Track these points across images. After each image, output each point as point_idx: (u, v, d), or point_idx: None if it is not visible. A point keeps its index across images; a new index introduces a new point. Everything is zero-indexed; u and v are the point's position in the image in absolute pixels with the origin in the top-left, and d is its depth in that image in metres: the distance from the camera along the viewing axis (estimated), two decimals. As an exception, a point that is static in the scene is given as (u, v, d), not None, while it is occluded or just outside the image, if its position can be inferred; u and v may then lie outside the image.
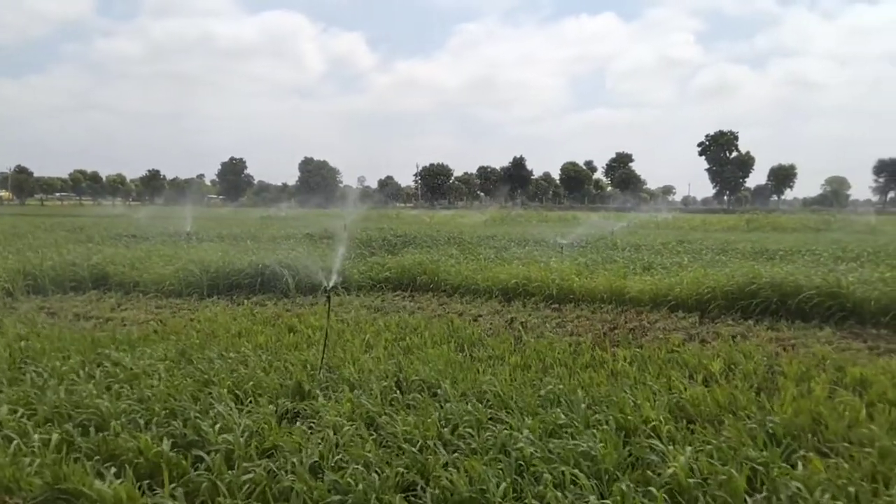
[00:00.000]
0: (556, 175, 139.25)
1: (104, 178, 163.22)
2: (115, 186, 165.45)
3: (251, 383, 5.93)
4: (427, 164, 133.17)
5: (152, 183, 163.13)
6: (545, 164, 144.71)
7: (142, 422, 5.07)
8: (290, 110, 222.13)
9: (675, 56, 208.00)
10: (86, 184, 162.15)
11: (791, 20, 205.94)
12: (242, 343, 7.92)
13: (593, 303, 11.37)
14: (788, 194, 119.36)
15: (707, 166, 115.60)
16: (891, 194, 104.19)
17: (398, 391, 5.88)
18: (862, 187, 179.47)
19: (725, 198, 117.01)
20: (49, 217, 45.21)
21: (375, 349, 7.62)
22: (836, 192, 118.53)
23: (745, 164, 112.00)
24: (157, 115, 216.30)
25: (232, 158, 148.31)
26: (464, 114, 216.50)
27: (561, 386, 5.67)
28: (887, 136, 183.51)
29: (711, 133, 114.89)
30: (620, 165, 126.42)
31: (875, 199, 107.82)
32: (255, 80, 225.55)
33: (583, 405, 5.09)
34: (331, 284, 7.07)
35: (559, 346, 7.74)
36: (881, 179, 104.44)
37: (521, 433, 4.58)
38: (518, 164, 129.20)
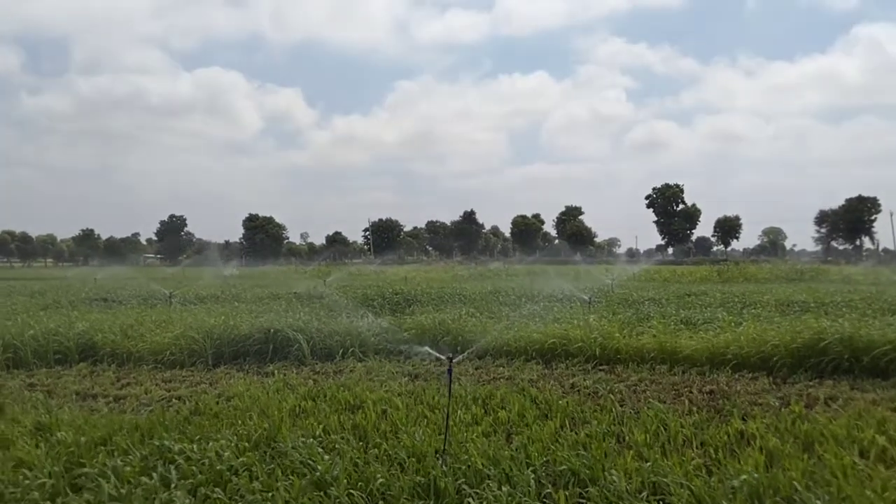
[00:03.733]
0: (503, 228, 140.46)
1: (34, 238, 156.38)
2: (46, 247, 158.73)
3: (378, 481, 4.90)
4: (376, 220, 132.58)
5: (86, 242, 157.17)
6: (488, 217, 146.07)
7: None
8: (229, 167, 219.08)
9: (608, 112, 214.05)
10: (14, 244, 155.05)
11: (713, 79, 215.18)
12: (309, 425, 6.85)
13: (644, 363, 10.64)
14: (735, 245, 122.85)
15: (655, 218, 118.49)
16: (832, 243, 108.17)
17: (552, 486, 4.95)
18: (794, 237, 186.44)
19: (670, 249, 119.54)
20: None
21: (471, 427, 6.67)
22: (773, 242, 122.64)
23: (692, 216, 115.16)
24: (87, 173, 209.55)
25: (172, 216, 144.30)
26: (404, 168, 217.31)
27: (756, 476, 4.80)
28: (812, 186, 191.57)
29: (658, 186, 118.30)
30: (570, 218, 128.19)
31: (817, 248, 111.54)
32: (190, 137, 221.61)
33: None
34: (458, 358, 6.11)
35: (670, 419, 6.92)
36: (822, 230, 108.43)
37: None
38: (469, 217, 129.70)
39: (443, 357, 6.24)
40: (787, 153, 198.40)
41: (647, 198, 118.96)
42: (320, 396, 8.47)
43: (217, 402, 8.20)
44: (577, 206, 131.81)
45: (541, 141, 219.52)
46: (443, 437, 6.01)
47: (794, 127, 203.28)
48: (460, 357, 8.14)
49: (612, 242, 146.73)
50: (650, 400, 7.99)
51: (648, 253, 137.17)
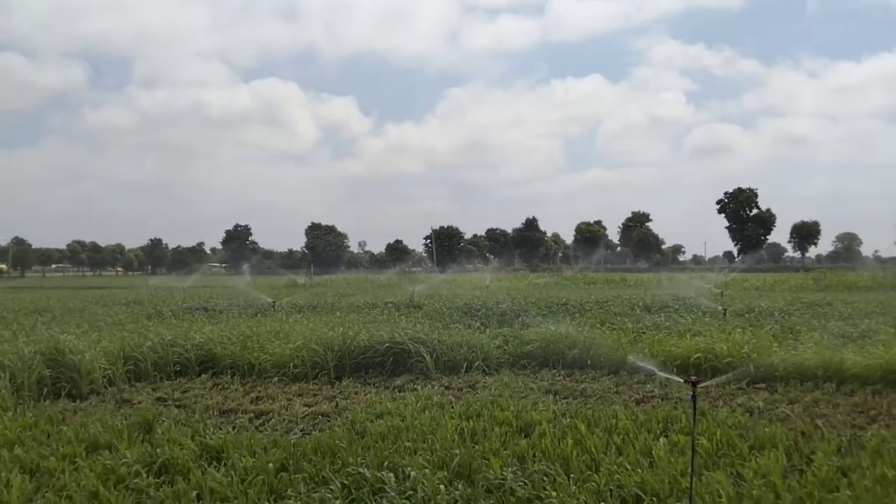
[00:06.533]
0: (564, 236, 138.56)
1: (104, 248, 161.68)
2: (115, 256, 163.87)
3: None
4: (437, 228, 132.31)
5: (154, 252, 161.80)
6: (544, 224, 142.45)
7: None
8: (286, 176, 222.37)
9: (666, 115, 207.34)
10: (85, 254, 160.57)
11: (776, 81, 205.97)
12: (494, 449, 6.25)
13: (806, 381, 9.73)
14: (811, 251, 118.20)
15: (726, 224, 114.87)
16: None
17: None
18: (868, 242, 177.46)
19: (739, 256, 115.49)
20: (69, 290, 43.55)
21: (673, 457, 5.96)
22: (848, 248, 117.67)
23: (766, 221, 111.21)
24: (149, 184, 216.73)
25: (237, 225, 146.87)
26: (459, 176, 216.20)
27: None
28: (883, 190, 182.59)
29: (730, 190, 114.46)
30: (636, 225, 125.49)
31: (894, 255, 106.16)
32: (249, 148, 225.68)
33: None
34: (707, 382, 5.44)
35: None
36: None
37: None
38: (530, 225, 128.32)
39: (678, 379, 5.57)
40: (856, 156, 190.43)
41: (718, 202, 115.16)
42: (474, 415, 7.88)
43: (373, 421, 7.69)
44: (645, 212, 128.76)
45: (597, 146, 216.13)
46: (672, 470, 5.33)
47: (863, 129, 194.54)
48: (710, 382, 7.40)
49: (677, 249, 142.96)
50: (864, 426, 7.14)
51: (714, 260, 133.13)
